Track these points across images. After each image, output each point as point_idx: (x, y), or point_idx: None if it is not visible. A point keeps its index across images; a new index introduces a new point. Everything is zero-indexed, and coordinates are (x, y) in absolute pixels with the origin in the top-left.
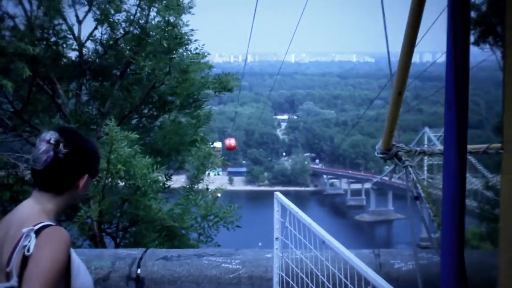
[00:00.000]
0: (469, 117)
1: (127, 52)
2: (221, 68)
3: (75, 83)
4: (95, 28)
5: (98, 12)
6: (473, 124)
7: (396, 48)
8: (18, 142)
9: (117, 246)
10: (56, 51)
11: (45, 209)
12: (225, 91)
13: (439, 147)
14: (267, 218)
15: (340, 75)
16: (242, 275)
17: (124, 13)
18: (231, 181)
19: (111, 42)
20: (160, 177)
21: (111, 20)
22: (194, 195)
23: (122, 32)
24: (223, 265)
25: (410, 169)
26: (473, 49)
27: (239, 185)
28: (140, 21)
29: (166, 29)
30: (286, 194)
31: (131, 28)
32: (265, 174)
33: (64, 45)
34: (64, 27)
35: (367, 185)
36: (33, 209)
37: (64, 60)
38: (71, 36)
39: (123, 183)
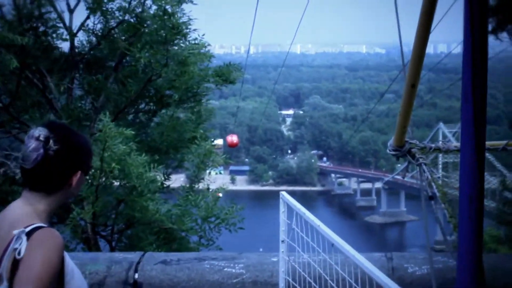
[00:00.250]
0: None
1: (122, 43)
2: (222, 60)
3: (67, 76)
4: (88, 17)
5: (90, 0)
6: (490, 119)
7: (409, 37)
8: (7, 139)
9: (112, 249)
10: (46, 41)
11: (36, 210)
12: (227, 83)
13: (455, 143)
14: (271, 220)
15: (348, 67)
16: (245, 280)
17: (119, 1)
18: (233, 181)
19: (104, 32)
20: (157, 177)
21: (104, 8)
22: (194, 196)
23: (117, 21)
24: (225, 269)
25: (424, 167)
26: (491, 39)
27: (242, 184)
28: (135, 10)
29: (163, 18)
30: (291, 194)
31: (126, 17)
32: (269, 173)
33: (54, 35)
34: (53, 15)
35: (378, 185)
36: (23, 210)
37: (55, 51)
38: (61, 25)
39: (118, 183)
